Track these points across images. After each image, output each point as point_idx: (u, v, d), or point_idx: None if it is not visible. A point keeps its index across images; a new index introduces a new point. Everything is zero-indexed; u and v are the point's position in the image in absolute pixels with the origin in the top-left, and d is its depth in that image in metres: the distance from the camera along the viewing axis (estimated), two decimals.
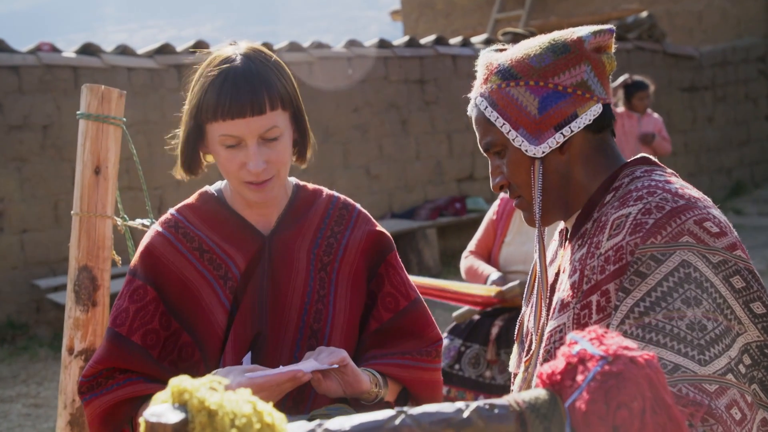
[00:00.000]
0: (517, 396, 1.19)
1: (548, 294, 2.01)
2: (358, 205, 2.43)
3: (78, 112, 2.55)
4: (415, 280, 3.14)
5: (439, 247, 10.97)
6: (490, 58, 2.01)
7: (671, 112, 13.44)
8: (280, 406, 2.14)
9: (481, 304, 4.33)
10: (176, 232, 2.30)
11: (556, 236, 2.14)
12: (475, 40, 12.44)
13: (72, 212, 2.56)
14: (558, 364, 1.20)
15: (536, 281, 2.07)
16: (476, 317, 4.40)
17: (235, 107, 2.11)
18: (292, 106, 2.21)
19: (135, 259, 2.32)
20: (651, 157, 1.99)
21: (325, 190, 2.42)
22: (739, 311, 1.73)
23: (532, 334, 2.06)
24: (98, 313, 2.54)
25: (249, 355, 2.22)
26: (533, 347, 2.03)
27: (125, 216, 2.65)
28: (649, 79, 9.50)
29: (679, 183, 1.86)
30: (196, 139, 2.23)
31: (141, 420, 1.06)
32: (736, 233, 1.80)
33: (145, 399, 2.21)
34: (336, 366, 2.10)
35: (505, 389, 4.17)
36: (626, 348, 1.18)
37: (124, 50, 9.31)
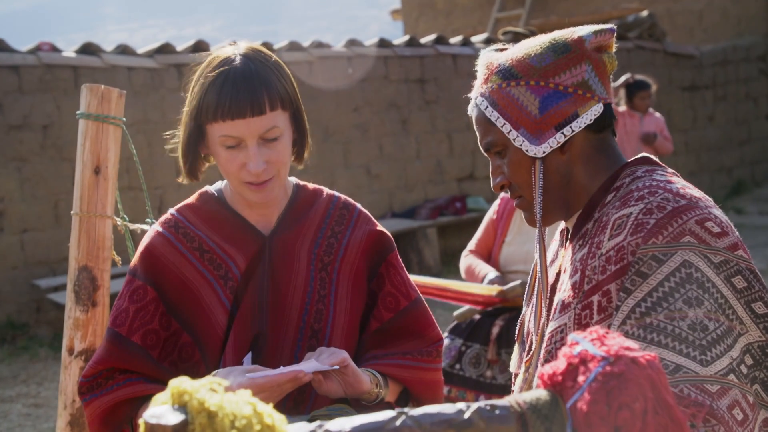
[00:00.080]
0: (518, 397, 1.19)
1: (548, 294, 2.01)
2: (358, 205, 2.43)
3: (78, 112, 2.55)
4: (415, 279, 3.14)
5: (439, 246, 10.97)
6: (490, 58, 2.01)
7: (672, 111, 13.44)
8: (280, 406, 2.14)
9: (482, 303, 4.33)
10: (176, 232, 2.30)
11: (557, 236, 2.14)
12: (476, 39, 12.44)
13: (72, 212, 2.56)
14: (559, 364, 1.20)
15: (537, 281, 2.07)
16: (477, 317, 4.39)
17: (235, 108, 2.10)
18: (292, 106, 2.21)
19: (135, 259, 2.32)
20: (652, 156, 1.99)
21: (326, 190, 2.42)
22: (740, 311, 1.72)
23: (532, 335, 2.05)
24: (98, 313, 2.54)
25: (249, 355, 2.22)
26: (534, 347, 2.02)
27: (125, 216, 2.65)
28: (651, 78, 9.50)
29: (680, 183, 1.86)
30: (196, 140, 2.22)
31: (141, 421, 1.06)
32: (737, 233, 1.80)
33: (145, 399, 2.21)
34: (337, 367, 2.10)
35: (505, 389, 4.16)
36: (628, 348, 1.17)
37: (124, 50, 9.31)
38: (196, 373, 2.20)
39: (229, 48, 2.22)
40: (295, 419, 2.07)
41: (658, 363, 1.18)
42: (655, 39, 13.96)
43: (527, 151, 1.92)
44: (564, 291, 1.90)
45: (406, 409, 1.14)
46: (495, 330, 4.28)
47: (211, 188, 2.38)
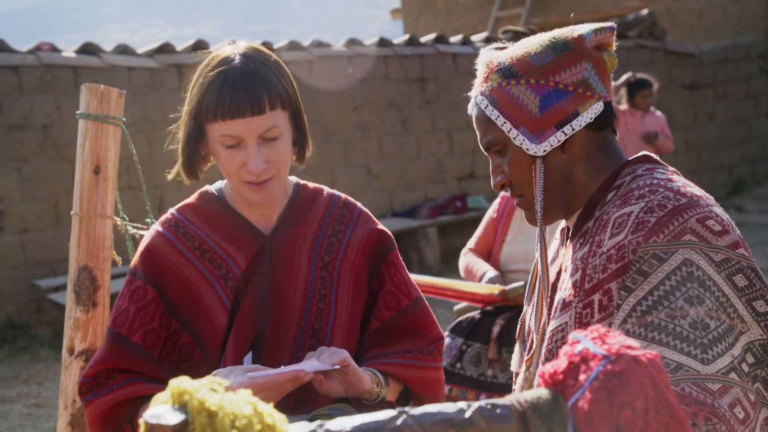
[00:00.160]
0: (519, 396, 1.18)
1: (549, 293, 2.00)
2: (359, 204, 2.43)
3: (77, 112, 2.54)
4: (416, 278, 3.14)
5: (440, 245, 10.97)
6: (490, 57, 2.00)
7: (672, 109, 13.43)
8: (281, 406, 2.14)
9: (483, 302, 4.33)
10: (176, 232, 2.30)
11: (558, 235, 2.14)
12: (476, 38, 12.44)
13: (72, 212, 2.56)
14: (560, 363, 1.19)
15: (537, 280, 2.07)
16: (477, 316, 4.39)
17: (234, 107, 2.10)
18: (292, 105, 2.21)
19: (135, 259, 2.31)
20: (652, 155, 1.98)
21: (326, 189, 2.42)
22: (742, 310, 1.72)
23: (533, 334, 2.05)
24: (98, 313, 2.54)
25: (250, 354, 2.22)
26: (534, 346, 2.02)
27: (125, 216, 2.65)
28: (652, 77, 9.50)
29: (681, 181, 1.85)
30: (196, 140, 2.22)
31: (141, 421, 1.06)
32: (738, 231, 1.79)
33: (145, 399, 2.20)
34: (338, 366, 2.10)
35: (506, 388, 4.16)
36: (629, 347, 1.17)
37: (124, 50, 9.31)
38: (197, 373, 2.20)
39: (228, 47, 2.22)
40: (296, 419, 2.07)
41: (660, 361, 1.17)
42: (656, 37, 13.96)
43: (527, 149, 1.91)
44: (565, 290, 1.90)
45: (406, 408, 1.14)
46: (496, 329, 4.27)
47: (212, 188, 2.38)
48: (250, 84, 2.12)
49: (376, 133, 10.96)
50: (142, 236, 2.57)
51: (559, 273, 2.01)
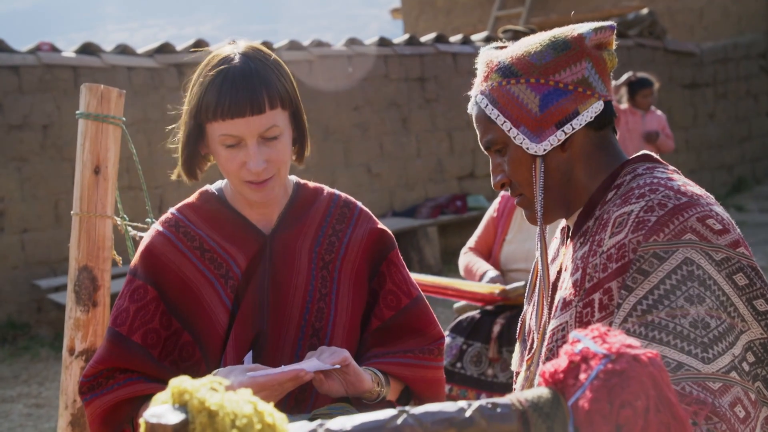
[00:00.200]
0: (519, 395, 1.18)
1: (549, 292, 2.00)
2: (359, 203, 2.43)
3: (77, 112, 2.54)
4: (416, 278, 3.14)
5: (440, 245, 10.97)
6: (490, 56, 2.00)
7: (672, 108, 13.43)
8: (281, 405, 2.14)
9: (484, 301, 4.33)
10: (177, 232, 2.30)
11: (558, 234, 2.14)
12: (476, 37, 12.44)
13: (72, 212, 2.56)
14: (561, 362, 1.19)
15: (538, 279, 2.06)
16: (477, 315, 4.39)
17: (234, 107, 2.10)
18: (292, 105, 2.21)
19: (135, 258, 2.31)
20: (653, 154, 1.98)
21: (326, 189, 2.42)
22: (742, 308, 1.72)
23: (534, 333, 2.05)
24: (99, 313, 2.54)
25: (250, 354, 2.22)
26: (535, 346, 2.02)
27: (125, 216, 2.65)
28: (653, 76, 9.50)
29: (681, 180, 1.85)
30: (196, 140, 2.22)
31: (141, 421, 1.06)
32: (738, 230, 1.79)
33: (145, 399, 2.20)
34: (338, 366, 2.10)
35: (507, 387, 4.16)
36: (629, 346, 1.17)
37: (123, 49, 9.31)
38: (197, 373, 2.20)
39: (228, 47, 2.22)
40: (296, 418, 2.07)
41: (660, 361, 1.17)
42: (656, 37, 13.96)
43: (528, 149, 1.91)
44: (565, 289, 1.90)
45: (407, 408, 1.14)
46: (496, 328, 4.27)
47: (212, 187, 2.38)
48: (249, 83, 2.12)
49: (377, 133, 10.96)
50: (142, 236, 2.57)
51: (559, 272, 2.01)
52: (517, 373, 2.14)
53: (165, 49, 9.49)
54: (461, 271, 4.60)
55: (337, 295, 2.30)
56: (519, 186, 1.98)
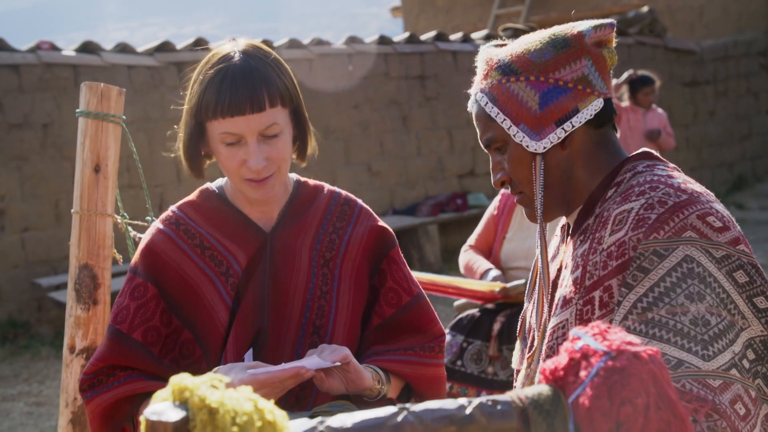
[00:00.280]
0: (519, 392, 1.18)
1: (549, 290, 2.00)
2: (359, 201, 2.43)
3: (77, 111, 2.54)
4: (417, 276, 3.14)
5: (440, 243, 10.97)
6: (490, 54, 2.00)
7: (673, 106, 13.43)
8: (282, 403, 2.14)
9: (484, 300, 4.33)
10: (177, 229, 2.30)
11: (558, 232, 2.14)
12: (476, 35, 12.44)
13: (72, 211, 2.56)
14: (561, 359, 1.19)
15: (538, 277, 2.06)
16: (478, 313, 4.39)
17: (234, 105, 2.10)
18: (292, 103, 2.21)
19: (136, 256, 2.32)
20: (653, 151, 1.98)
21: (327, 186, 2.42)
22: (742, 306, 1.72)
23: (534, 331, 2.05)
24: (99, 311, 2.54)
25: (250, 351, 2.22)
26: (535, 344, 2.02)
27: (125, 214, 2.65)
28: (654, 74, 9.49)
29: (681, 178, 1.85)
30: (198, 138, 2.22)
31: (142, 418, 1.06)
32: (739, 228, 1.79)
33: (146, 396, 2.21)
34: (339, 363, 2.10)
35: (507, 385, 4.16)
36: (629, 343, 1.17)
37: (123, 48, 9.31)
38: (197, 370, 2.20)
39: (228, 45, 2.22)
40: (297, 416, 2.07)
41: (660, 358, 1.17)
42: (656, 35, 13.95)
43: (527, 146, 1.91)
44: (565, 287, 1.90)
45: (407, 405, 1.14)
46: (496, 326, 4.27)
47: (212, 185, 2.38)
48: (249, 81, 2.12)
49: (377, 131, 10.96)
50: (140, 237, 2.58)
51: (559, 270, 2.01)
52: (518, 371, 2.14)
53: (165, 47, 9.49)
54: (461, 269, 4.60)
55: (337, 293, 2.30)
56: (519, 184, 1.98)
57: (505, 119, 1.92)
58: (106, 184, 2.55)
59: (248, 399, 1.08)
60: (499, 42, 2.05)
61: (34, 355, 8.13)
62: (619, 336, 1.18)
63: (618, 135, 2.01)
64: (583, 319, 1.82)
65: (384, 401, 2.27)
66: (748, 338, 1.72)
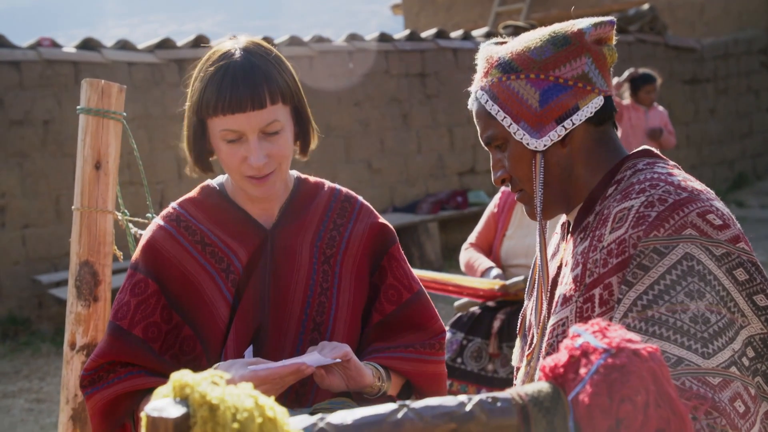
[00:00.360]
0: (519, 389, 1.19)
1: (548, 287, 2.01)
2: (360, 198, 2.43)
3: (78, 107, 2.54)
4: (417, 273, 3.14)
5: (440, 240, 10.97)
6: (490, 52, 2.00)
7: (673, 104, 13.43)
8: (282, 399, 2.14)
9: (484, 297, 4.33)
10: (178, 226, 2.30)
11: (558, 229, 2.14)
12: (476, 33, 12.43)
13: (73, 207, 2.56)
14: (561, 357, 1.20)
15: (538, 275, 2.07)
16: (478, 311, 4.39)
17: (235, 102, 2.10)
18: (293, 100, 2.21)
19: (136, 252, 2.32)
20: (653, 149, 1.98)
21: (327, 183, 2.42)
22: (742, 304, 1.72)
23: (534, 328, 2.05)
24: (100, 308, 2.54)
25: (250, 348, 2.22)
26: (535, 341, 2.02)
27: (126, 211, 2.65)
28: (655, 71, 9.48)
29: (681, 175, 1.85)
30: (201, 135, 2.22)
31: (142, 414, 1.06)
32: (739, 225, 1.79)
33: (146, 393, 2.21)
34: (339, 360, 2.10)
35: (507, 382, 4.17)
36: (629, 341, 1.17)
37: (124, 45, 9.31)
38: (198, 367, 2.20)
39: (229, 42, 2.22)
40: (297, 412, 2.07)
41: (660, 355, 1.17)
42: (656, 32, 13.95)
43: (528, 144, 1.91)
44: (565, 284, 1.90)
45: (407, 402, 1.14)
46: (496, 324, 4.28)
47: (213, 182, 2.38)
48: (250, 78, 2.12)
49: (377, 129, 10.96)
50: (141, 233, 2.58)
51: (559, 267, 2.01)
52: (518, 368, 2.14)
53: (165, 44, 9.49)
54: (462, 267, 4.60)
55: (338, 290, 2.30)
56: (519, 181, 1.98)
57: (505, 117, 1.92)
58: (106, 181, 2.55)
59: (249, 396, 1.08)
60: (500, 40, 2.05)
61: (34, 351, 8.13)
62: (618, 333, 1.19)
63: (619, 133, 2.02)
64: (583, 317, 1.82)
65: (384, 398, 2.27)
66: (748, 336, 1.72)
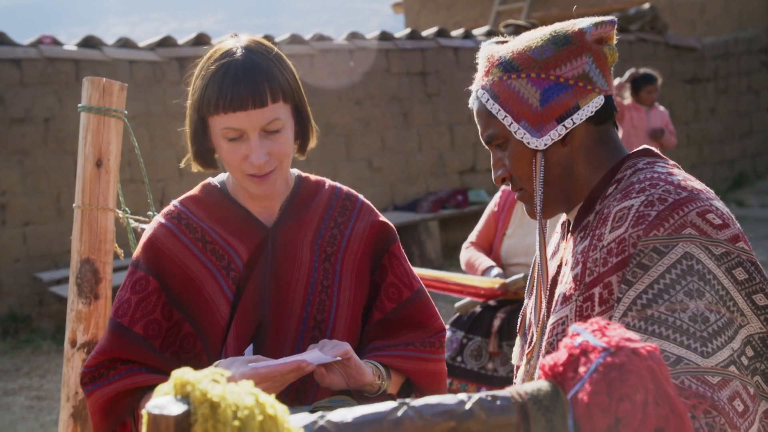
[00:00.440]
0: (519, 388, 1.19)
1: (548, 286, 2.01)
2: (361, 196, 2.44)
3: (79, 105, 2.55)
4: (417, 272, 3.15)
5: (441, 239, 10.98)
6: (491, 51, 2.00)
7: (673, 103, 13.43)
8: (282, 397, 2.14)
9: (484, 296, 4.33)
10: (179, 223, 2.30)
11: (558, 228, 2.14)
12: (477, 32, 12.43)
13: (74, 205, 2.56)
14: (560, 355, 1.20)
15: (537, 273, 2.07)
16: (478, 309, 4.40)
17: (236, 100, 2.11)
18: (294, 98, 2.21)
19: (137, 250, 2.32)
20: (653, 148, 1.99)
21: (328, 182, 2.43)
22: (741, 303, 1.72)
23: (533, 327, 2.05)
24: (100, 305, 2.55)
25: (251, 347, 2.22)
26: (535, 340, 2.03)
27: (127, 209, 2.66)
28: (655, 71, 9.48)
29: (681, 175, 1.86)
30: (203, 133, 2.23)
31: (143, 412, 1.06)
32: (738, 225, 1.80)
33: (146, 390, 2.21)
34: (339, 358, 2.10)
35: (507, 381, 4.17)
36: (629, 340, 1.18)
37: (125, 43, 9.31)
38: (198, 364, 2.20)
39: (230, 41, 2.22)
40: (297, 410, 2.07)
41: (659, 354, 1.18)
42: (657, 31, 13.95)
43: (528, 143, 1.92)
44: (565, 283, 1.90)
45: (407, 400, 1.15)
46: (496, 322, 4.28)
47: (214, 180, 2.38)
48: (251, 77, 2.12)
49: (378, 127, 10.96)
50: (144, 227, 2.58)
51: (559, 266, 2.01)
52: (518, 367, 2.14)
53: (166, 42, 9.50)
54: (462, 266, 4.60)
55: (338, 288, 2.31)
56: (520, 180, 1.98)
57: (506, 116, 1.92)
58: (107, 179, 2.55)
59: (249, 393, 1.08)
60: (501, 39, 2.05)
61: (35, 349, 8.14)
62: (618, 332, 1.19)
63: (621, 133, 2.02)
64: (582, 316, 1.82)
65: (384, 396, 2.27)
66: (747, 335, 1.73)
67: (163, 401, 1.06)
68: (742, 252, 1.75)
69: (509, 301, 4.32)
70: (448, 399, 1.15)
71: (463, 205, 11.26)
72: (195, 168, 2.32)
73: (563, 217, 2.09)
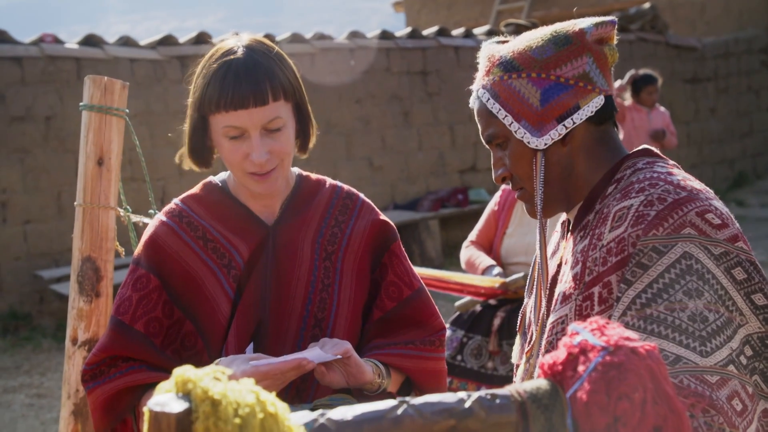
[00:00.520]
0: (518, 386, 1.19)
1: (548, 285, 2.01)
2: (361, 195, 2.44)
3: (81, 104, 2.55)
4: (418, 271, 3.15)
5: (441, 238, 10.98)
6: (492, 50, 2.01)
7: (674, 103, 13.42)
8: (283, 395, 2.15)
9: (484, 295, 4.33)
10: (180, 222, 2.31)
11: (558, 228, 2.15)
12: (478, 31, 12.43)
13: (75, 203, 2.57)
14: (559, 354, 1.20)
15: (537, 273, 2.07)
16: (478, 308, 4.40)
17: (237, 98, 2.11)
18: (295, 97, 2.22)
19: (139, 248, 2.32)
20: (653, 148, 1.99)
21: (329, 180, 2.43)
22: (740, 303, 1.73)
23: (533, 326, 2.06)
24: (101, 303, 2.55)
25: (251, 345, 2.23)
26: (534, 339, 2.03)
27: (128, 207, 2.66)
28: (655, 71, 9.47)
29: (681, 175, 1.86)
30: (203, 131, 2.23)
31: (145, 409, 1.07)
32: (738, 225, 1.80)
33: (147, 387, 2.22)
34: (339, 356, 2.11)
35: (507, 380, 4.17)
36: (627, 339, 1.18)
37: (126, 41, 9.31)
38: (199, 362, 2.20)
39: (231, 39, 2.23)
40: (297, 408, 2.08)
41: (658, 353, 1.18)
42: (657, 31, 13.95)
43: (529, 143, 1.92)
44: (565, 282, 1.91)
45: (407, 398, 1.15)
46: (496, 321, 4.28)
47: (215, 179, 2.39)
48: (252, 75, 2.13)
49: (378, 126, 10.96)
50: (145, 226, 2.58)
51: (559, 266, 2.01)
52: (517, 366, 2.15)
53: (167, 41, 9.49)
54: (463, 265, 4.60)
55: (339, 286, 2.31)
56: (520, 180, 1.98)
57: (506, 115, 1.93)
58: (109, 177, 2.56)
59: (250, 391, 1.09)
60: (501, 38, 2.06)
61: (35, 347, 8.14)
62: (617, 331, 1.19)
63: (622, 135, 2.02)
64: (582, 315, 1.83)
65: (384, 395, 2.28)
66: (746, 335, 1.73)
67: (165, 398, 1.07)
68: (741, 252, 1.75)
69: (509, 300, 4.33)
70: (447, 397, 1.16)
71: (464, 204, 11.26)
72: (187, 165, 2.32)
73: (563, 216, 2.09)
